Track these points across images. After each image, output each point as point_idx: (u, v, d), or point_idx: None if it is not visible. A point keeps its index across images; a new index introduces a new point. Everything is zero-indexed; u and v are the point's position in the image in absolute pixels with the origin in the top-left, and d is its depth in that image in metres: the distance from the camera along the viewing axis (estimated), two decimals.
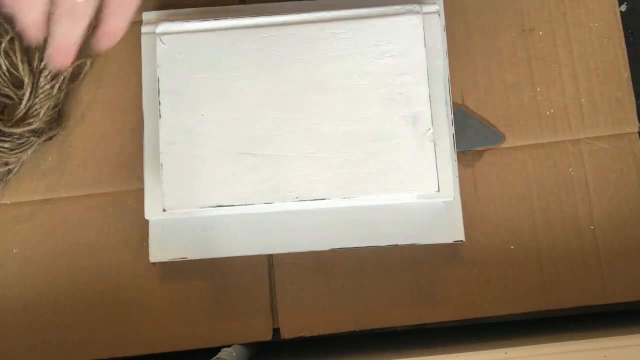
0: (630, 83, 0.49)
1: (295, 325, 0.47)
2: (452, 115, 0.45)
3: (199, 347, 0.47)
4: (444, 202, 0.45)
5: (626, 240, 0.47)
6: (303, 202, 0.41)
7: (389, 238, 0.44)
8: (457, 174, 0.45)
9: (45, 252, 0.48)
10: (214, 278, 0.47)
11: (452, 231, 0.45)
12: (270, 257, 0.48)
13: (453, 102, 0.49)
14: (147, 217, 0.44)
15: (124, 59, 0.50)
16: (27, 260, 0.48)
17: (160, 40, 0.42)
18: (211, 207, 0.40)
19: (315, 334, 0.47)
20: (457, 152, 0.48)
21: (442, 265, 0.47)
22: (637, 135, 0.49)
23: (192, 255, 0.45)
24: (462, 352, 0.41)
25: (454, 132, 0.45)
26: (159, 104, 0.42)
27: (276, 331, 0.47)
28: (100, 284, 0.47)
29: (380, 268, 0.47)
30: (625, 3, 0.50)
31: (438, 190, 0.41)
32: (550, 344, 0.40)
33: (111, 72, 0.50)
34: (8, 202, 0.48)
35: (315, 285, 0.47)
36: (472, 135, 0.49)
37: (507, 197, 0.48)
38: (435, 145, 0.41)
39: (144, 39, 0.46)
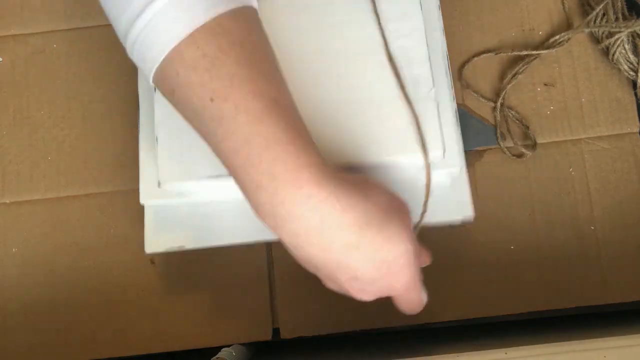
0: (631, 82, 0.49)
1: (295, 325, 0.47)
2: (453, 91, 0.44)
3: (199, 347, 0.47)
4: (451, 177, 0.43)
5: (626, 240, 0.47)
6: None
7: None
8: (462, 148, 0.43)
9: (44, 252, 0.48)
10: (213, 278, 0.47)
11: (460, 208, 0.43)
12: (270, 257, 0.48)
13: None
14: (142, 201, 0.42)
15: (123, 58, 0.49)
16: (26, 260, 0.48)
17: None
18: (209, 177, 0.39)
19: (315, 334, 0.47)
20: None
21: (441, 265, 0.47)
22: (638, 135, 0.48)
23: (189, 244, 0.43)
24: (462, 352, 0.41)
25: (456, 107, 0.43)
26: None
27: (276, 331, 0.47)
28: (100, 283, 0.47)
29: None
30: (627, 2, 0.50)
31: (444, 153, 0.39)
32: (550, 344, 0.40)
33: (111, 71, 0.50)
34: (8, 201, 0.49)
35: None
36: (473, 135, 0.49)
37: (507, 197, 0.48)
38: (438, 105, 0.39)
39: None
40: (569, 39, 0.48)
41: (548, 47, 0.48)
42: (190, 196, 0.43)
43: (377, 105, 0.40)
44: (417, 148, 0.39)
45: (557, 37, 0.48)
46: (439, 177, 0.42)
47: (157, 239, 0.43)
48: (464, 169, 0.43)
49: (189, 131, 0.39)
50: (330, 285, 0.37)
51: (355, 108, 0.40)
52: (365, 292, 0.35)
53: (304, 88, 0.39)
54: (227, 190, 0.40)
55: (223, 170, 0.38)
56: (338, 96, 0.40)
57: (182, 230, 0.43)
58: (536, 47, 0.49)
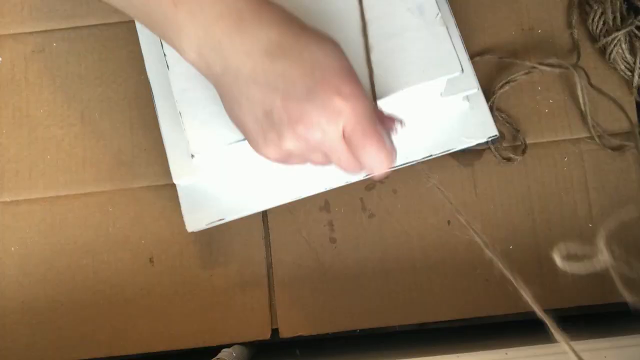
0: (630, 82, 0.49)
1: (294, 324, 0.47)
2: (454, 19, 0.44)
3: (198, 345, 0.46)
4: (469, 100, 0.43)
5: (626, 239, 0.47)
6: None
7: (421, 151, 0.43)
8: (473, 70, 0.43)
9: (43, 251, 0.48)
10: (212, 277, 0.47)
11: (484, 129, 0.43)
12: (269, 257, 0.48)
13: None
14: (175, 180, 0.42)
15: (123, 57, 0.50)
16: (25, 259, 0.48)
17: None
18: (237, 141, 0.39)
19: (314, 333, 0.46)
20: (457, 151, 0.48)
21: (440, 265, 0.47)
22: (637, 134, 0.48)
23: (229, 216, 0.43)
24: (462, 352, 0.41)
25: (459, 33, 0.44)
26: (164, 55, 0.41)
27: (275, 331, 0.47)
28: (99, 282, 0.47)
29: (378, 267, 0.47)
30: (625, 3, 0.51)
31: (462, 71, 0.39)
32: (550, 344, 0.40)
33: (110, 70, 0.50)
34: (7, 200, 0.48)
35: (314, 284, 0.47)
36: None
37: (506, 197, 0.48)
38: (447, 28, 0.40)
39: None
40: (573, 65, 0.48)
41: (551, 65, 0.47)
42: (220, 167, 0.43)
43: (389, 37, 0.39)
44: (438, 72, 0.38)
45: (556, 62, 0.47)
46: (459, 101, 0.43)
47: (196, 217, 0.44)
48: (480, 90, 0.44)
49: (209, 100, 0.39)
50: (266, 149, 0.33)
51: (369, 43, 0.39)
52: (306, 124, 0.30)
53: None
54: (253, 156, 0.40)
55: None
56: (350, 34, 0.39)
57: (218, 204, 0.44)
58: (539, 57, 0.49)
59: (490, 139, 0.44)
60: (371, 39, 0.39)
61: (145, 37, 0.45)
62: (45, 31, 0.50)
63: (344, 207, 0.48)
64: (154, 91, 0.44)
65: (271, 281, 0.47)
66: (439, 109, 0.43)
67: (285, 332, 0.46)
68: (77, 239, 0.48)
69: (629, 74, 0.48)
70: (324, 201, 0.48)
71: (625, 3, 0.49)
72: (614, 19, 0.48)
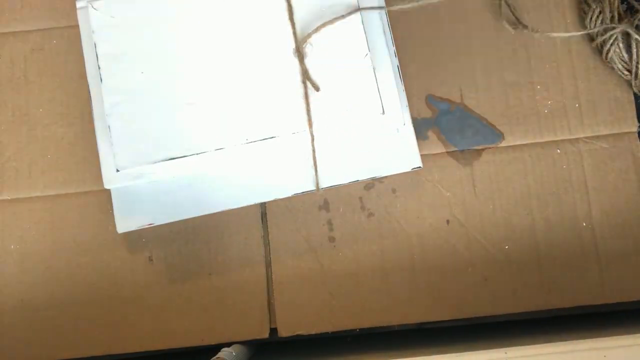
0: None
1: (293, 323, 0.47)
2: (394, 48, 0.45)
3: (196, 344, 0.46)
4: (397, 131, 0.45)
5: (625, 239, 0.47)
6: (253, 143, 0.41)
7: (348, 176, 0.45)
8: (406, 103, 0.45)
9: (43, 249, 0.48)
10: (211, 276, 0.47)
11: (409, 159, 0.45)
12: (268, 256, 0.47)
13: (452, 101, 0.49)
14: (106, 185, 0.43)
15: None
16: (24, 257, 0.48)
17: (92, 7, 0.42)
18: (163, 159, 0.41)
19: (313, 332, 0.46)
20: (457, 150, 0.48)
21: (440, 264, 0.47)
22: (636, 134, 0.48)
23: (158, 220, 0.45)
24: (462, 352, 0.41)
25: (397, 63, 0.45)
26: (99, 68, 0.42)
27: (274, 331, 0.47)
28: (98, 281, 0.47)
29: (377, 266, 0.47)
30: (624, 3, 0.51)
31: (383, 113, 0.41)
32: (550, 344, 0.40)
33: None
34: (6, 198, 0.48)
35: (313, 283, 0.47)
36: (471, 134, 0.49)
37: (505, 196, 0.48)
38: (374, 69, 0.42)
39: (80, 14, 0.45)
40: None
41: None
42: (150, 177, 0.44)
43: (315, 73, 0.42)
44: (359, 111, 0.42)
45: None
46: (388, 137, 0.45)
47: (127, 219, 0.45)
48: (409, 123, 0.45)
49: (140, 116, 0.41)
50: None
51: (296, 78, 0.42)
52: None
53: (243, 65, 0.42)
54: (182, 169, 0.42)
55: (176, 152, 0.41)
56: (280, 67, 0.42)
57: (149, 208, 0.45)
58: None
59: (413, 170, 0.45)
60: (298, 72, 0.42)
61: (87, 45, 0.45)
62: (45, 29, 0.51)
63: (343, 206, 0.48)
64: (92, 94, 0.44)
65: (270, 280, 0.47)
66: (371, 138, 0.45)
67: (284, 332, 0.46)
68: (77, 237, 0.48)
69: (627, 73, 0.48)
70: (323, 200, 0.48)
71: (625, 3, 0.49)
72: (612, 18, 0.48)
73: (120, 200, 0.45)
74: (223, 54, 0.42)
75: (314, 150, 0.43)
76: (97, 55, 0.42)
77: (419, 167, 0.45)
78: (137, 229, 0.44)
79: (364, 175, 0.45)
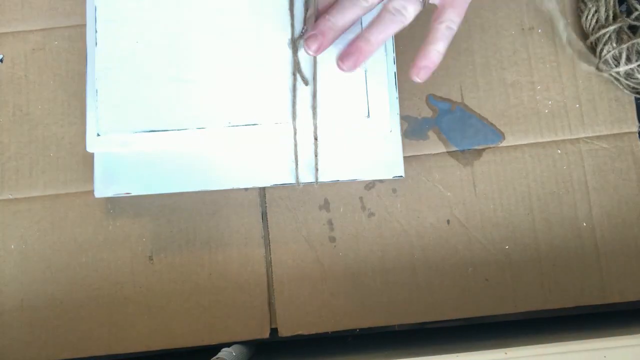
0: None
1: (293, 323, 0.46)
2: (394, 55, 0.45)
3: (196, 344, 0.46)
4: (384, 137, 0.45)
5: (625, 239, 0.47)
6: (236, 127, 0.41)
7: (329, 174, 0.45)
8: (397, 110, 0.45)
9: (43, 248, 0.48)
10: (211, 275, 0.47)
11: (391, 167, 0.45)
12: (268, 256, 0.47)
13: (452, 101, 0.49)
14: (87, 149, 0.43)
15: None
16: (25, 257, 0.48)
17: None
18: (144, 130, 0.41)
19: (313, 332, 0.46)
20: (457, 150, 0.48)
21: (440, 264, 0.47)
22: (637, 134, 0.48)
23: (135, 191, 0.45)
24: (462, 352, 0.41)
25: (395, 70, 0.45)
26: (95, 32, 0.42)
27: (274, 331, 0.47)
28: (98, 280, 0.47)
29: (378, 266, 0.47)
30: (623, 4, 0.51)
31: (368, 116, 0.41)
32: (550, 344, 0.40)
33: None
34: (6, 197, 0.48)
35: (313, 283, 0.47)
36: (472, 134, 0.49)
37: (506, 196, 0.48)
38: (366, 71, 0.42)
39: None
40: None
41: None
42: (131, 146, 0.44)
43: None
44: (344, 112, 0.42)
45: None
46: (375, 141, 0.45)
47: (106, 186, 0.45)
48: (397, 131, 0.45)
49: (128, 85, 0.41)
50: None
51: (286, 68, 0.42)
52: None
53: (238, 44, 0.42)
54: (163, 143, 0.42)
55: (158, 125, 0.41)
56: (272, 55, 0.42)
57: (129, 178, 0.45)
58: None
59: (394, 177, 0.45)
60: (290, 64, 0.42)
61: (90, 10, 0.45)
62: (46, 29, 0.51)
63: (343, 205, 0.48)
64: (88, 59, 0.44)
65: (270, 280, 0.47)
66: (356, 140, 0.45)
67: (285, 332, 0.46)
68: (77, 237, 0.48)
69: (617, 72, 0.47)
70: (324, 200, 0.48)
71: (624, 4, 0.49)
72: (607, 17, 0.48)
73: (102, 167, 0.45)
74: (219, 36, 0.42)
75: (295, 144, 0.43)
76: (95, 18, 0.42)
77: (401, 176, 0.45)
78: (114, 195, 0.45)
79: (346, 176, 0.45)
